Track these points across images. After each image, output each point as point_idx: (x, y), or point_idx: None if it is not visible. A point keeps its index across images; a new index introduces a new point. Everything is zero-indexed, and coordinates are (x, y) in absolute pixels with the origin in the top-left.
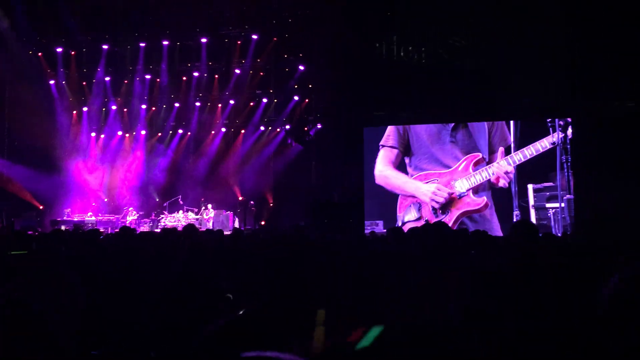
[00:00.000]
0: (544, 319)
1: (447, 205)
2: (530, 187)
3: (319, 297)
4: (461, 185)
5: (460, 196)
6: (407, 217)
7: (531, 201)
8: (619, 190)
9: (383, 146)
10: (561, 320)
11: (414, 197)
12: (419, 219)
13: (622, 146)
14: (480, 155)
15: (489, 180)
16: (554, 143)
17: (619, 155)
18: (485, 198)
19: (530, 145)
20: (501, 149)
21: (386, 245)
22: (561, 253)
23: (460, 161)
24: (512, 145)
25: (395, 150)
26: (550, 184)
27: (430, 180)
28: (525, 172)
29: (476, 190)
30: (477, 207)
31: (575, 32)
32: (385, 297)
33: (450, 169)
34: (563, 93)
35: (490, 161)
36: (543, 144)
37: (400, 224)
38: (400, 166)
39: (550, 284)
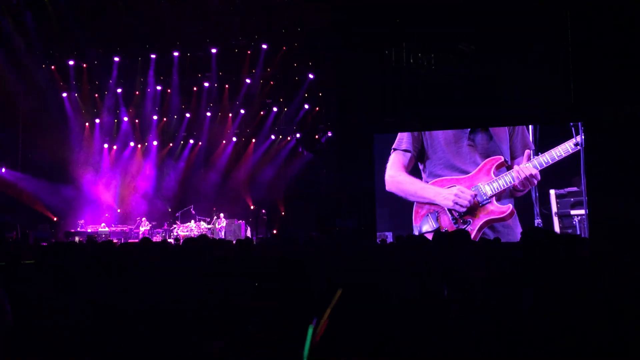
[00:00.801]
0: (546, 320)
1: (468, 213)
2: (552, 192)
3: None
4: (483, 192)
5: (483, 203)
6: (425, 228)
7: (554, 208)
8: (632, 194)
9: (395, 150)
10: (562, 321)
11: (431, 204)
12: (437, 229)
13: (634, 149)
14: (502, 158)
15: (512, 186)
16: (577, 144)
17: (632, 159)
18: (510, 205)
19: (558, 147)
20: (527, 152)
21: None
22: (568, 257)
23: (481, 165)
24: (533, 149)
25: (409, 154)
26: (574, 188)
27: (448, 187)
28: (546, 176)
29: (498, 197)
30: (502, 215)
31: (584, 33)
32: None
33: (469, 174)
34: (574, 96)
35: (512, 166)
36: (570, 146)
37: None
38: (413, 172)
39: (551, 286)
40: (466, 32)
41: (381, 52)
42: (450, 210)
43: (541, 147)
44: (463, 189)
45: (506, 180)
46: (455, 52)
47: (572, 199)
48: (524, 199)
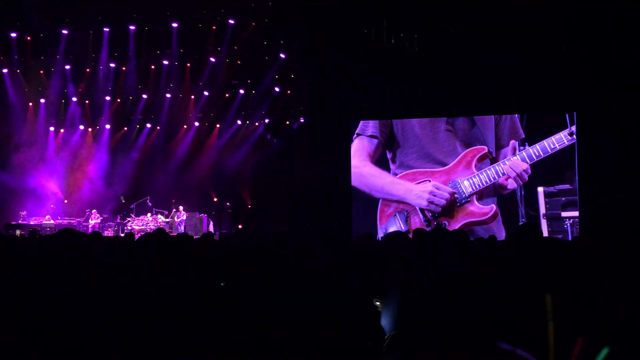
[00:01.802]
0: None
1: (444, 214)
2: (540, 190)
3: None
4: (462, 188)
5: (462, 202)
6: (392, 230)
7: (542, 209)
8: (628, 190)
9: (359, 135)
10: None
11: (400, 202)
12: (406, 233)
13: (633, 141)
14: (485, 148)
15: (497, 182)
16: (572, 133)
17: (630, 152)
18: (493, 206)
19: (552, 137)
20: (512, 143)
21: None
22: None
23: (460, 157)
24: (522, 137)
25: (375, 141)
26: (567, 186)
27: (421, 182)
28: (534, 171)
29: (480, 195)
30: (483, 218)
31: (581, 14)
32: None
33: (446, 167)
34: (569, 83)
35: (497, 158)
36: (565, 137)
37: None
38: (380, 162)
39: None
40: (454, 10)
41: (360, 31)
42: (422, 210)
43: (531, 136)
44: (439, 186)
45: (490, 175)
46: (443, 33)
47: (563, 199)
48: (506, 198)
